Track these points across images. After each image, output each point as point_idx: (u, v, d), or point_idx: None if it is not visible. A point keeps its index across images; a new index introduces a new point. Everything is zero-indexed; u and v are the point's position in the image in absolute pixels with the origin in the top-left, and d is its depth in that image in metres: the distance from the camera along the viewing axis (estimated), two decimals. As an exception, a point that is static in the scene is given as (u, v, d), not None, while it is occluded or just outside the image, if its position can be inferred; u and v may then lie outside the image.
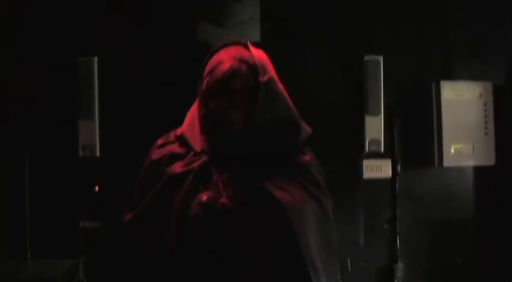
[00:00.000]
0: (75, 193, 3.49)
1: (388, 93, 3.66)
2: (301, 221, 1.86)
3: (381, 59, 3.64)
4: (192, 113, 2.05)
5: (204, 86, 1.96)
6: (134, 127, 3.50)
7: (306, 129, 2.06)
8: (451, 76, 3.81)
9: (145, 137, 3.48)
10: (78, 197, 3.48)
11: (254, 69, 1.92)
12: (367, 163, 3.70)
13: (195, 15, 3.46)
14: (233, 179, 1.87)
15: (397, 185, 3.74)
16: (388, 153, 3.72)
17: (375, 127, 3.62)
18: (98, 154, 3.46)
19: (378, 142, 3.63)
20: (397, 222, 3.73)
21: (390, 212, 3.75)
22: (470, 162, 3.77)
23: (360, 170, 3.69)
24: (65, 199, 3.48)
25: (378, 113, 3.62)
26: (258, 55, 1.97)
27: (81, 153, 3.44)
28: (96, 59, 3.45)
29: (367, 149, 3.62)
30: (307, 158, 2.02)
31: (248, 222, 1.82)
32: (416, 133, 3.78)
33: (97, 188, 3.46)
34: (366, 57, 3.63)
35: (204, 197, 1.85)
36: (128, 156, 3.48)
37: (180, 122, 3.50)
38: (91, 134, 3.44)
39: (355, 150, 3.66)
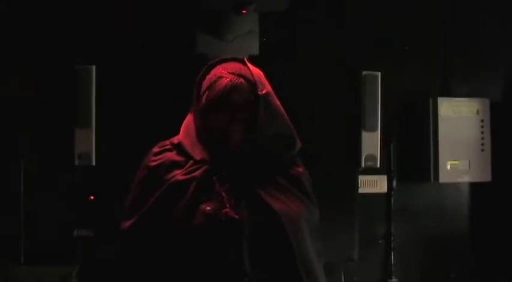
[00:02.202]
0: (70, 201, 3.47)
1: (385, 109, 3.66)
2: (295, 230, 1.90)
3: (379, 74, 3.64)
4: (187, 125, 2.07)
5: (203, 101, 1.98)
6: (130, 136, 3.50)
7: (299, 142, 2.09)
8: (448, 93, 3.83)
9: (141, 146, 3.51)
10: (73, 205, 3.47)
11: (252, 83, 1.95)
12: (363, 178, 3.70)
13: (194, 27, 3.47)
14: (234, 190, 1.90)
15: (392, 200, 3.74)
16: (384, 169, 3.73)
17: (371, 142, 3.62)
18: (94, 163, 3.45)
19: (374, 157, 3.63)
20: (392, 238, 3.74)
21: (385, 227, 3.76)
22: (466, 179, 3.78)
23: (355, 185, 3.69)
24: (60, 207, 3.47)
25: (374, 129, 3.63)
26: (255, 70, 2.01)
27: (77, 162, 3.43)
28: (94, 67, 3.45)
29: (363, 164, 3.62)
30: (300, 169, 2.07)
31: (248, 232, 1.85)
32: (413, 149, 3.79)
33: (91, 198, 3.45)
34: (364, 73, 3.63)
35: (208, 208, 1.86)
36: (123, 166, 3.49)
37: (176, 131, 3.52)
38: (87, 143, 3.43)
39: (351, 165, 3.66)
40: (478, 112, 3.79)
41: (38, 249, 3.44)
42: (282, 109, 2.03)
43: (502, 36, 3.92)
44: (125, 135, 3.50)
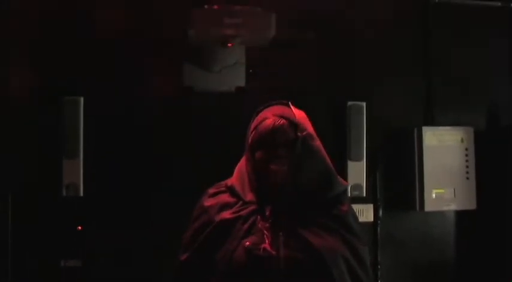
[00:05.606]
0: (58, 232, 3.47)
1: (370, 138, 3.71)
2: (337, 266, 2.01)
3: (364, 105, 3.69)
4: (240, 167, 2.21)
5: (249, 141, 2.14)
6: (118, 167, 3.51)
7: (342, 183, 2.21)
8: (432, 122, 3.87)
9: (128, 177, 3.53)
10: (60, 236, 3.47)
11: (294, 124, 2.08)
12: (349, 207, 3.71)
13: (180, 60, 3.51)
14: (275, 227, 2.04)
15: (379, 229, 3.76)
16: (370, 198, 3.75)
17: (357, 172, 3.65)
18: (81, 194, 3.45)
19: (360, 187, 3.66)
20: (379, 266, 3.74)
21: (372, 255, 3.76)
22: (451, 207, 3.81)
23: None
24: (47, 237, 3.46)
25: (360, 158, 3.66)
26: (298, 113, 2.14)
27: (65, 193, 3.43)
28: (82, 98, 3.47)
29: (349, 194, 3.63)
30: (344, 208, 2.16)
31: (287, 267, 1.97)
32: (398, 178, 3.82)
33: (79, 228, 3.46)
34: (349, 103, 3.68)
35: (247, 243, 2.01)
36: (111, 196, 3.50)
37: (163, 163, 3.54)
38: (75, 174, 3.44)
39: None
40: (462, 141, 3.82)
41: (26, 279, 3.42)
42: (323, 150, 2.15)
43: (484, 65, 3.97)
44: (112, 166, 3.52)
